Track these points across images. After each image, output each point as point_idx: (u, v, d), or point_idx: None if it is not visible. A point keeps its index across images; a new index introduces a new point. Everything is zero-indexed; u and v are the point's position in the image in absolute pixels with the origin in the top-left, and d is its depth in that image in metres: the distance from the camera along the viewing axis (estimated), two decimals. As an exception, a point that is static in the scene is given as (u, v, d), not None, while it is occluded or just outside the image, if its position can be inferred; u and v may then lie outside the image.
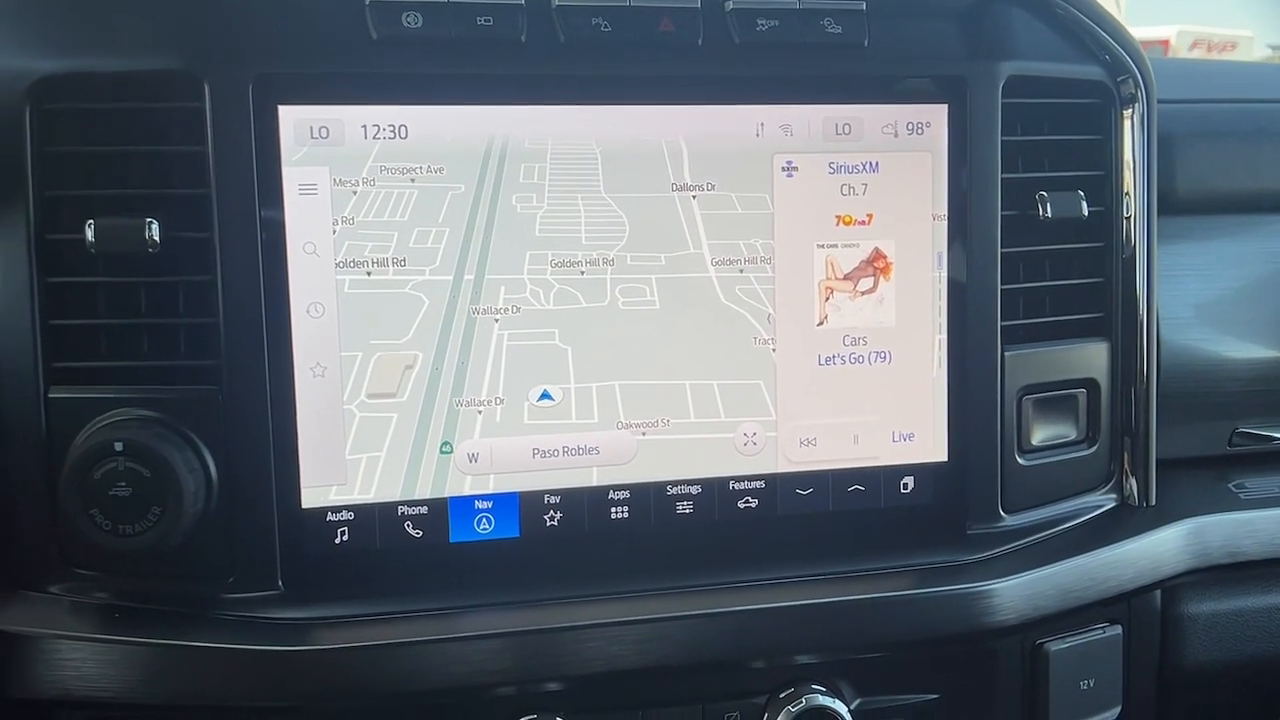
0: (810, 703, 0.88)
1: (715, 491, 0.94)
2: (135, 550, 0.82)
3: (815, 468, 0.96)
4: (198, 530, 0.84)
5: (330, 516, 0.88)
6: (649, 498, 0.93)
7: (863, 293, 0.95)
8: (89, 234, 0.82)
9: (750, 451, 0.95)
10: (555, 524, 0.92)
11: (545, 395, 0.91)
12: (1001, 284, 0.97)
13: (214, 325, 0.84)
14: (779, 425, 0.95)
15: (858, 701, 0.92)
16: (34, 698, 0.83)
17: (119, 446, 0.81)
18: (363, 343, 0.87)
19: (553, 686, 0.87)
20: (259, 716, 0.84)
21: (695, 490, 0.94)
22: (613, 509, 0.93)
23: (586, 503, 0.92)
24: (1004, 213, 0.97)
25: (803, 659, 0.91)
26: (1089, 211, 1.00)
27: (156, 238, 0.83)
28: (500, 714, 0.87)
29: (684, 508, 0.94)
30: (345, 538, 0.88)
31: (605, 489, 0.92)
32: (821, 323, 0.95)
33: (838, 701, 0.89)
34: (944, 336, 0.97)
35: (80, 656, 0.82)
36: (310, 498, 0.87)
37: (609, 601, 0.89)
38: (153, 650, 0.82)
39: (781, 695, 0.90)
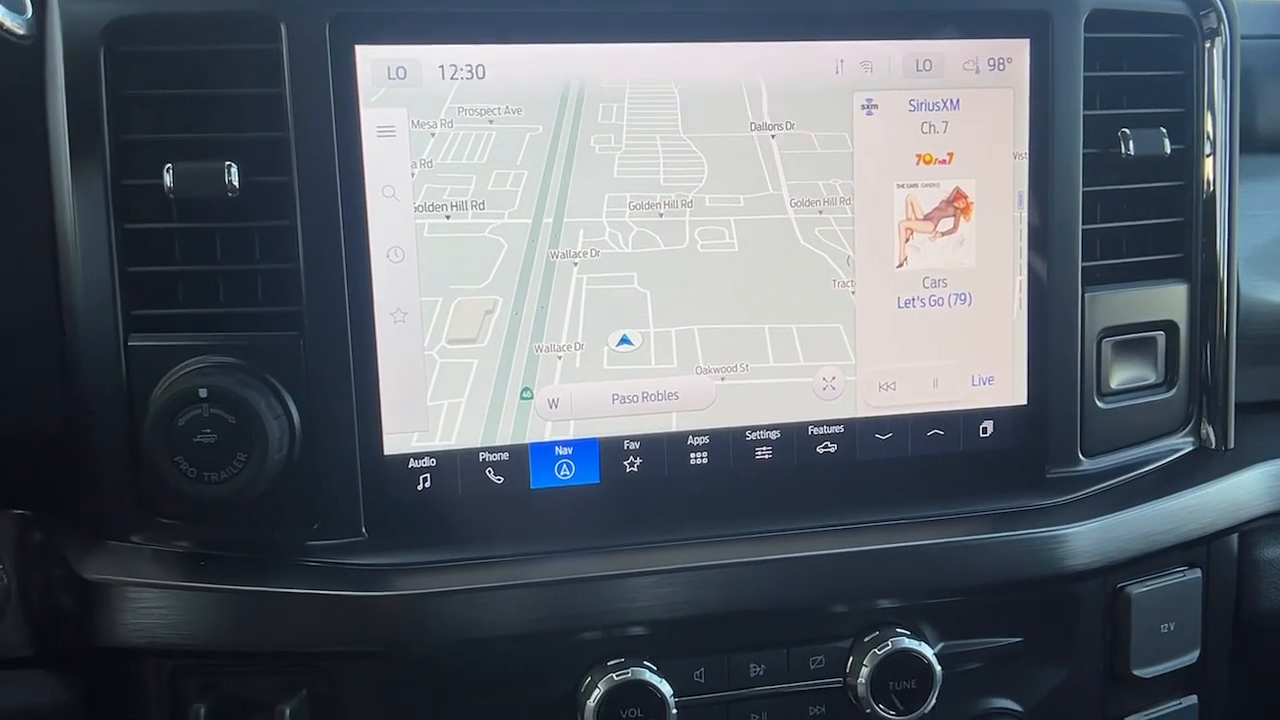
0: (896, 645, 0.88)
1: (794, 436, 0.93)
2: (220, 497, 0.82)
3: (894, 412, 0.95)
4: (281, 477, 0.83)
5: (412, 463, 0.87)
6: (728, 443, 0.92)
7: (943, 233, 0.94)
8: (168, 179, 0.81)
9: (829, 396, 0.93)
10: (635, 470, 0.91)
11: (625, 340, 0.90)
12: (1082, 224, 0.96)
13: (293, 271, 0.84)
14: (858, 369, 0.94)
15: (941, 645, 0.91)
16: (120, 646, 0.83)
17: (203, 393, 0.80)
18: (443, 288, 0.86)
19: (636, 631, 0.87)
20: (344, 661, 0.84)
21: (774, 435, 0.93)
22: (692, 454, 0.92)
23: (666, 448, 0.91)
24: (1085, 150, 0.95)
25: (885, 603, 0.91)
26: (1170, 149, 0.98)
27: (235, 182, 0.81)
28: (586, 659, 0.87)
29: (763, 453, 0.93)
30: (427, 484, 0.88)
31: (684, 434, 0.92)
32: (901, 264, 0.93)
33: (923, 644, 0.89)
34: (1024, 278, 0.95)
35: (166, 604, 0.82)
36: (392, 444, 0.87)
37: (690, 546, 0.89)
38: (238, 597, 0.82)
39: (866, 639, 0.89)
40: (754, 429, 0.93)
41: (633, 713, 0.84)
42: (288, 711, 0.81)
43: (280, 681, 0.83)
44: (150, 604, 0.82)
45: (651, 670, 0.85)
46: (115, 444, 0.84)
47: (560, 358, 0.89)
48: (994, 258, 0.95)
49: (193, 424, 0.80)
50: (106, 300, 0.83)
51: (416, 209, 0.85)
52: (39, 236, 0.84)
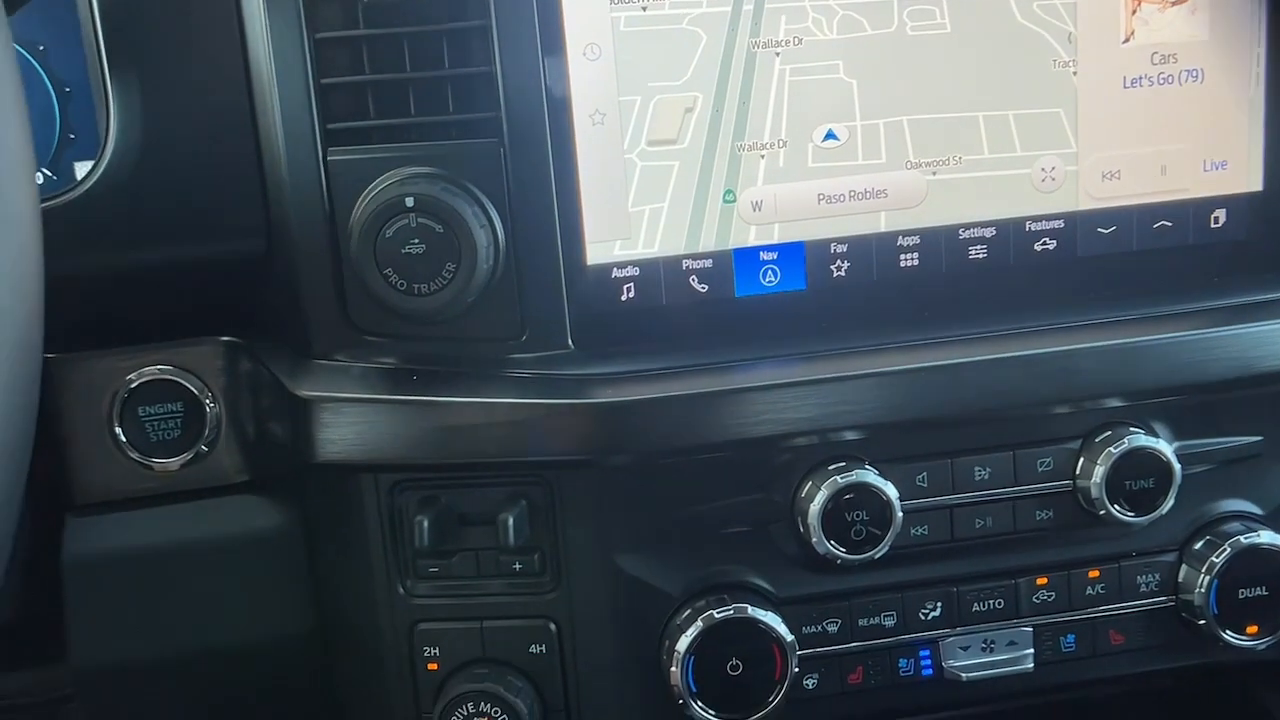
0: (1131, 443, 0.83)
1: (1010, 233, 0.88)
2: (430, 310, 0.80)
3: (1119, 203, 0.89)
4: (487, 289, 0.81)
5: (615, 273, 0.85)
6: (940, 243, 0.88)
7: (1173, 3, 0.86)
8: (360, -20, 0.78)
9: (1048, 188, 0.88)
10: (842, 274, 0.87)
11: (830, 135, 0.85)
12: (1330, -15, 0.87)
13: (488, 75, 0.80)
14: (1080, 158, 0.87)
15: (1176, 444, 0.86)
16: (338, 461, 0.83)
17: (410, 202, 0.78)
18: (641, 86, 0.82)
19: (852, 436, 0.84)
20: (563, 471, 0.83)
21: (989, 233, 0.88)
22: (902, 256, 0.87)
23: (875, 250, 0.87)
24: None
25: (1113, 402, 0.86)
26: None
27: (427, -20, 0.78)
28: (803, 465, 0.84)
29: (977, 252, 0.88)
30: (631, 294, 0.85)
31: (894, 235, 0.87)
32: (1127, 40, 0.86)
33: (1160, 442, 0.84)
34: (1263, 50, 0.87)
35: (383, 418, 0.82)
36: (595, 254, 0.84)
37: (904, 350, 0.85)
38: (453, 408, 0.81)
39: (1097, 439, 0.85)
40: (967, 226, 0.87)
41: (857, 515, 0.81)
42: (510, 520, 0.81)
43: (500, 493, 0.83)
44: (367, 418, 0.82)
45: (875, 473, 0.82)
46: (320, 262, 0.83)
47: (763, 156, 0.84)
48: (1229, 28, 0.86)
49: (400, 234, 0.79)
50: (303, 115, 0.81)
51: (612, 1, 0.80)
52: (230, 53, 0.83)
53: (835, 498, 0.81)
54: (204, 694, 0.97)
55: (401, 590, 0.86)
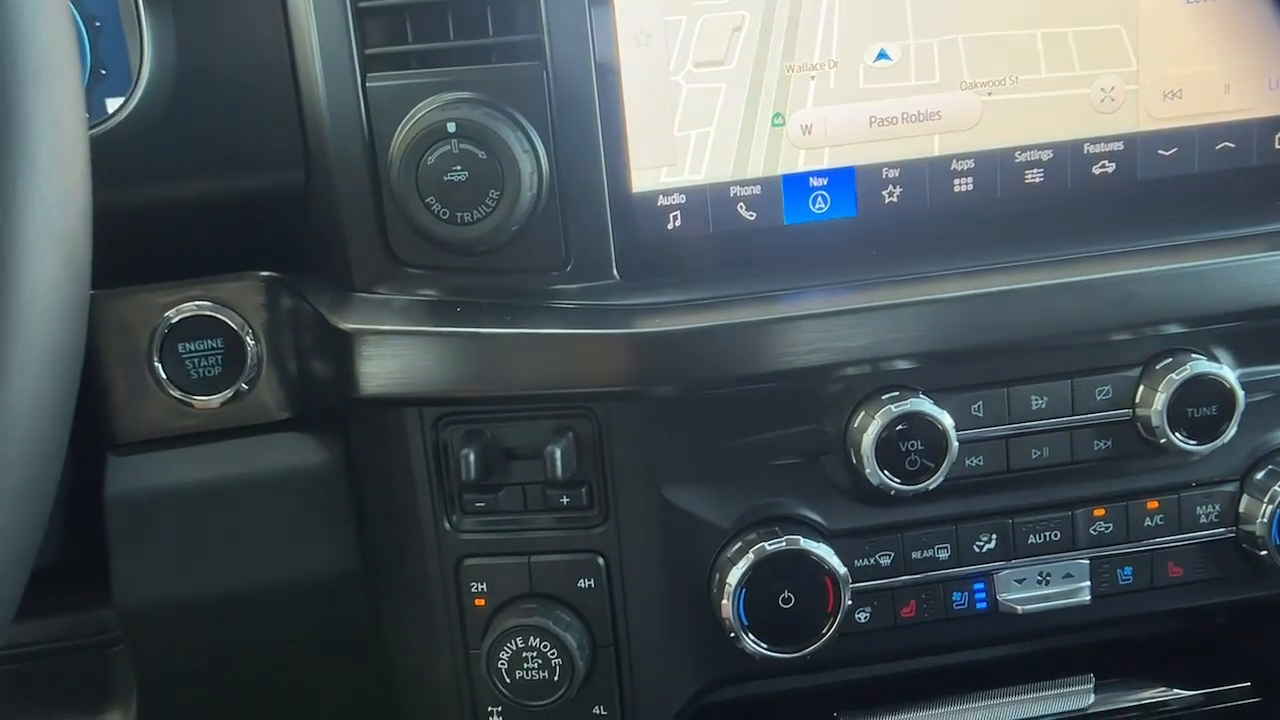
0: (1194, 369, 0.81)
1: (1068, 156, 0.85)
2: (473, 239, 0.79)
3: (1180, 124, 0.85)
4: (531, 218, 0.80)
5: (661, 200, 0.83)
6: (995, 166, 0.85)
7: (1241, -88, 0.83)
8: (395, -106, 0.76)
9: (1108, 109, 0.85)
10: (894, 200, 0.85)
11: (882, 55, 0.82)
12: (1405, -109, 0.83)
13: (531, -6, 0.78)
14: (1141, 76, 0.84)
15: (1239, 371, 0.83)
16: (382, 395, 0.82)
17: (452, 127, 0.76)
18: (687, 4, 0.79)
19: (904, 365, 0.82)
20: (610, 403, 0.82)
21: (1046, 156, 0.85)
22: (956, 180, 0.85)
23: (928, 174, 0.84)
24: None
25: (1173, 328, 0.83)
26: None
27: (465, -104, 0.76)
28: (855, 394, 0.82)
29: (1033, 176, 0.85)
30: (678, 223, 0.83)
31: (948, 159, 0.84)
32: (1192, -49, 0.83)
33: (1223, 368, 0.82)
34: (1334, -40, 0.84)
35: (427, 350, 0.81)
36: (640, 181, 0.82)
37: (958, 276, 0.82)
38: (497, 340, 0.80)
39: (1158, 366, 0.83)
40: (1023, 149, 0.85)
41: (912, 445, 0.80)
42: (557, 454, 0.80)
43: (546, 426, 0.82)
44: (411, 351, 0.81)
45: (930, 402, 0.81)
46: (360, 192, 0.81)
47: (813, 77, 0.82)
48: (1299, -62, 0.83)
49: (443, 161, 0.77)
50: (341, 40, 0.79)
51: (657, -84, 0.78)
52: (265, -21, 0.81)
53: (889, 427, 0.79)
54: (249, 632, 0.97)
55: (448, 526, 0.85)
